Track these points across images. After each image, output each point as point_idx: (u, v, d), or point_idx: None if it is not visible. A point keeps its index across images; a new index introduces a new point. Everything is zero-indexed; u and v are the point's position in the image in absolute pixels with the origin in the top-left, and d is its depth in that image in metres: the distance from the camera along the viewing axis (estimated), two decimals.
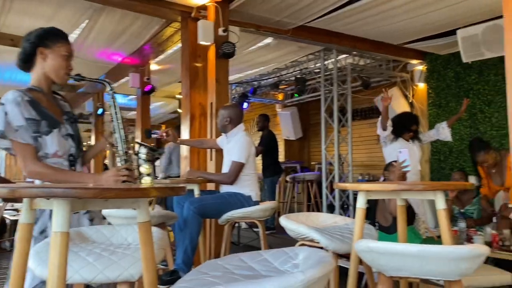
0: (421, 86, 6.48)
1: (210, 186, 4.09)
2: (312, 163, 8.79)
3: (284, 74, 7.32)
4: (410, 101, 6.60)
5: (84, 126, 10.69)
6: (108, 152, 2.13)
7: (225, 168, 3.46)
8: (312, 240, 2.46)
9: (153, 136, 3.93)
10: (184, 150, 4.61)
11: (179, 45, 5.02)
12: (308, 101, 8.12)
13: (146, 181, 1.82)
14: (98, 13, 4.78)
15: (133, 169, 1.82)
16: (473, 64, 5.56)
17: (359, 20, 4.95)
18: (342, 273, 2.28)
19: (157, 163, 4.17)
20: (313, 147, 9.08)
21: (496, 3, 2.28)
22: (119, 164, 1.85)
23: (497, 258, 3.22)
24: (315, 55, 6.31)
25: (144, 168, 1.82)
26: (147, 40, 5.56)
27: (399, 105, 6.39)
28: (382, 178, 4.05)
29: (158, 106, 9.70)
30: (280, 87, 7.78)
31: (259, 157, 6.46)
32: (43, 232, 1.87)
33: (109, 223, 3.30)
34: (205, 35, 4.20)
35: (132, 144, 1.93)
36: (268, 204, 3.43)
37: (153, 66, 6.49)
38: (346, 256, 2.33)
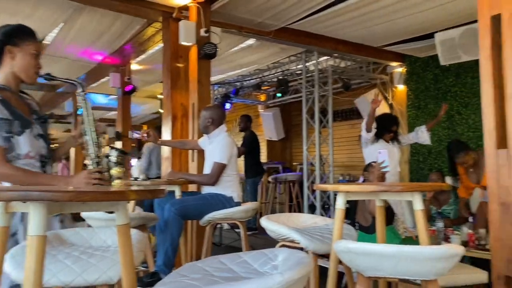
0: (401, 88, 6.58)
1: (192, 188, 4.08)
2: (294, 163, 8.84)
3: (266, 75, 7.35)
4: (390, 102, 6.70)
5: (64, 126, 10.53)
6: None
7: (207, 169, 3.46)
8: (292, 241, 2.48)
9: (134, 136, 3.90)
10: (166, 151, 4.58)
11: (161, 45, 4.99)
12: (290, 102, 8.16)
13: (116, 184, 1.81)
14: (78, 12, 4.72)
15: (104, 172, 1.81)
16: (450, 66, 5.68)
17: (340, 23, 5.00)
18: (323, 273, 2.31)
19: (136, 164, 4.15)
20: (295, 148, 9.13)
21: (472, 7, 2.34)
22: (90, 167, 1.83)
23: (473, 257, 3.29)
24: (297, 56, 6.35)
25: (115, 171, 1.81)
26: (128, 40, 5.52)
27: (379, 107, 6.46)
28: (361, 179, 4.10)
29: (139, 106, 9.61)
30: (262, 88, 7.81)
31: (241, 157, 6.47)
32: (14, 235, 1.83)
33: (88, 225, 3.26)
34: (186, 35, 4.18)
35: (103, 146, 1.91)
36: (249, 205, 3.43)
37: (134, 66, 6.43)
38: (327, 256, 2.36)
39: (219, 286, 1.25)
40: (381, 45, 5.88)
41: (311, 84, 6.31)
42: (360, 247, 1.74)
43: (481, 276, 2.68)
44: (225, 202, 3.32)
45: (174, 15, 4.43)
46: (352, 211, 3.81)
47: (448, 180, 4.53)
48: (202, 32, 4.22)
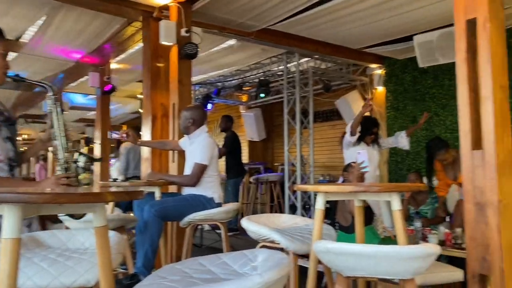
0: (380, 89, 6.67)
1: (172, 189, 4.05)
2: (275, 164, 8.87)
3: (248, 76, 7.36)
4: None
5: (42, 126, 10.33)
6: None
7: (187, 170, 3.44)
8: (273, 241, 2.49)
9: (113, 136, 3.85)
10: (145, 151, 4.54)
11: (141, 44, 4.94)
12: (271, 103, 8.19)
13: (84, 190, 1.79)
14: (56, 10, 4.63)
15: (73, 177, 1.79)
16: (428, 69, 5.77)
17: (321, 24, 5.04)
18: (303, 273, 2.32)
19: (115, 165, 4.10)
20: (276, 148, 9.15)
21: (450, 11, 2.39)
22: (59, 172, 1.81)
23: (450, 255, 3.35)
24: (278, 57, 6.38)
25: (83, 177, 1.80)
26: (107, 39, 5.45)
27: (359, 108, 6.53)
28: (341, 179, 4.15)
29: (119, 106, 9.50)
30: (244, 88, 7.81)
31: (223, 158, 6.46)
32: None
33: (66, 228, 3.21)
34: (167, 35, 4.16)
35: (74, 150, 1.89)
36: (230, 206, 3.43)
37: (114, 65, 6.36)
38: (307, 256, 2.37)
39: None
40: (361, 47, 5.95)
41: (292, 85, 6.34)
42: (339, 247, 1.76)
43: (457, 274, 2.74)
44: (205, 203, 3.31)
45: (154, 14, 4.40)
46: (332, 211, 3.84)
47: (424, 180, 4.61)
48: (183, 32, 4.20)
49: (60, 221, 3.08)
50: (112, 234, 1.89)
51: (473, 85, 2.15)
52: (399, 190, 2.15)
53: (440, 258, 3.32)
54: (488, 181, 2.04)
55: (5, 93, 8.12)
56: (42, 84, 1.93)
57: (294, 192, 6.18)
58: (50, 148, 2.14)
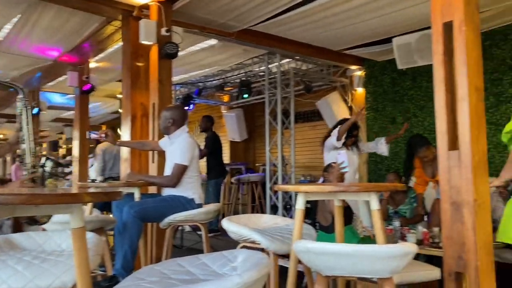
0: (360, 90, 6.74)
1: (152, 190, 4.02)
2: (256, 164, 8.88)
3: (229, 76, 7.35)
4: (349, 105, 6.84)
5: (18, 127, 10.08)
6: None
7: (168, 171, 3.41)
8: (253, 242, 2.49)
9: (92, 137, 3.79)
10: (125, 152, 4.48)
11: (120, 43, 4.88)
12: (253, 103, 8.19)
13: None
14: (32, 8, 4.54)
15: (38, 181, 1.76)
16: (407, 70, 5.86)
17: (302, 26, 5.07)
18: (284, 273, 2.33)
19: (94, 166, 4.05)
20: (258, 149, 9.16)
21: (428, 14, 2.43)
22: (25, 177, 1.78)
23: (428, 254, 3.41)
24: (259, 58, 6.39)
25: (49, 182, 1.77)
26: (86, 38, 5.36)
27: (339, 109, 6.62)
28: (321, 179, 4.18)
29: (98, 106, 9.37)
30: (225, 89, 7.80)
31: (204, 158, 6.43)
32: None
33: (43, 229, 3.15)
34: (147, 34, 4.12)
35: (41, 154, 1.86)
36: (211, 207, 3.42)
37: (93, 64, 6.27)
38: (287, 256, 2.38)
39: None
40: (341, 48, 6.01)
41: (274, 86, 6.36)
42: (318, 247, 1.77)
43: (434, 273, 2.79)
44: (186, 204, 3.28)
45: (134, 13, 4.35)
46: (313, 211, 3.87)
47: (404, 180, 4.68)
48: (163, 31, 4.16)
49: (37, 223, 3.02)
50: (90, 235, 1.87)
51: (450, 86, 2.19)
52: (377, 190, 2.17)
53: (418, 257, 3.37)
54: (464, 181, 2.08)
55: None
56: (13, 87, 1.88)
57: (275, 192, 6.20)
58: (18, 151, 2.09)
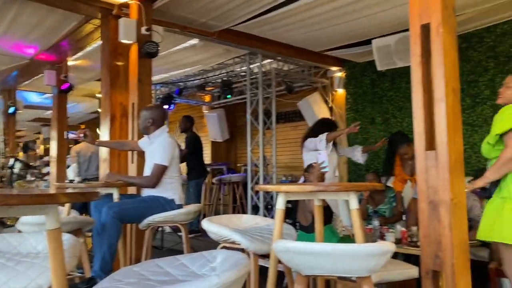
0: (340, 91, 6.80)
1: (131, 190, 3.97)
2: (238, 164, 8.86)
3: (211, 76, 7.32)
4: (330, 105, 6.90)
5: None
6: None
7: (147, 171, 3.38)
8: (233, 242, 2.48)
9: (70, 136, 3.72)
10: (104, 152, 4.42)
11: (99, 42, 4.81)
12: (235, 104, 8.18)
13: None
14: (9, 4, 4.44)
15: (6, 182, 1.73)
16: (386, 72, 5.93)
17: (283, 27, 5.08)
18: (265, 273, 2.33)
19: (72, 166, 4.01)
20: (239, 149, 9.15)
21: (407, 16, 2.48)
22: None
23: (406, 253, 3.45)
24: (241, 58, 6.38)
25: (18, 184, 1.74)
26: (64, 36, 5.27)
27: (320, 110, 6.66)
28: (302, 179, 4.20)
29: (77, 105, 9.22)
30: (207, 89, 7.76)
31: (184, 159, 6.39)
32: None
33: (19, 231, 3.08)
34: (126, 33, 4.07)
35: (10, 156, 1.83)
36: (191, 207, 3.40)
37: (71, 63, 6.16)
38: (268, 256, 2.38)
39: None
40: (322, 50, 6.05)
41: (255, 86, 6.36)
42: (298, 246, 1.78)
43: (412, 271, 2.82)
44: (165, 204, 3.26)
45: (114, 12, 4.29)
46: (293, 211, 3.88)
47: (384, 180, 4.74)
48: (143, 30, 4.12)
49: (4, 225, 2.96)
50: (67, 237, 1.84)
51: (427, 87, 2.23)
52: (356, 190, 2.19)
53: (397, 256, 3.42)
54: (441, 180, 2.12)
55: None
56: None
57: (256, 192, 6.20)
58: None
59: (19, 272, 1.51)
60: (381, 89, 6.26)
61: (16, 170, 1.62)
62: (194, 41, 5.43)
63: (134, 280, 1.39)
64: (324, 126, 4.69)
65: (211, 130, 8.76)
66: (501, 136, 2.40)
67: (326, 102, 6.91)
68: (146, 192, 3.37)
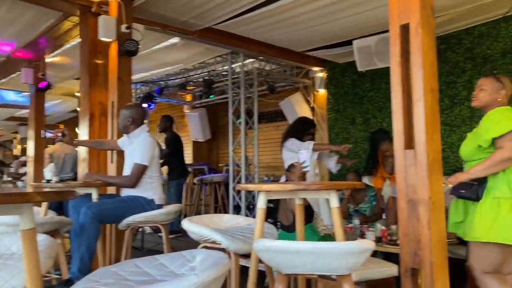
0: (322, 92, 6.84)
1: (111, 190, 3.91)
2: (220, 164, 8.83)
3: (192, 75, 7.26)
4: (312, 106, 6.93)
5: None
6: None
7: (127, 171, 3.33)
8: (214, 242, 2.47)
9: (47, 136, 3.65)
10: (83, 152, 4.35)
11: (78, 40, 4.73)
12: (216, 103, 8.14)
13: None
14: None
15: None
16: (367, 73, 5.99)
17: (265, 26, 5.08)
18: (247, 273, 2.32)
19: (49, 166, 3.94)
20: (221, 149, 9.12)
21: (387, 17, 2.51)
22: None
23: (386, 251, 3.49)
24: (222, 57, 6.35)
25: None
26: (42, 33, 5.16)
27: (302, 110, 6.69)
28: (283, 178, 4.21)
29: (56, 104, 9.05)
30: (188, 88, 7.70)
31: (166, 159, 6.34)
32: None
33: None
34: (106, 31, 4.01)
35: None
36: (172, 207, 3.36)
37: (49, 61, 6.04)
38: (249, 256, 2.38)
39: None
40: (304, 50, 6.07)
41: (237, 85, 6.35)
42: (278, 245, 1.78)
43: (391, 269, 2.85)
44: (145, 205, 3.22)
45: (93, 9, 4.22)
46: (275, 210, 3.88)
47: (365, 179, 4.79)
48: (123, 28, 4.06)
49: None
50: (42, 237, 1.80)
51: (406, 88, 2.25)
52: (337, 188, 2.20)
53: (376, 254, 3.46)
54: (419, 179, 2.14)
55: None
56: None
57: (238, 192, 6.18)
58: None
59: None
60: (362, 89, 6.32)
61: None
62: (175, 39, 5.38)
63: (111, 281, 1.36)
64: (304, 125, 4.73)
65: (193, 130, 8.70)
66: (494, 139, 2.41)
67: (308, 102, 6.94)
68: (126, 192, 3.32)
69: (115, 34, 4.06)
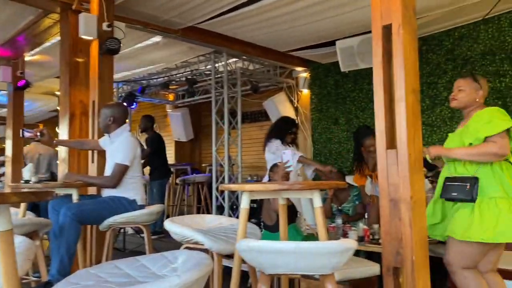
0: (305, 92, 6.86)
1: (92, 191, 3.85)
2: (203, 165, 8.79)
3: (175, 74, 7.21)
4: (296, 105, 6.95)
5: None
6: None
7: (108, 171, 3.28)
8: (196, 243, 2.45)
9: (26, 135, 3.57)
10: (63, 151, 4.27)
11: (58, 38, 4.65)
12: (199, 103, 8.10)
13: None
14: None
15: None
16: (349, 73, 6.04)
17: (248, 26, 5.07)
18: (230, 273, 2.31)
19: (28, 166, 3.86)
20: (204, 149, 9.07)
21: (369, 18, 2.53)
22: None
23: (368, 251, 3.51)
24: (205, 56, 6.32)
25: None
26: (21, 30, 5.05)
27: (285, 109, 6.70)
28: (266, 177, 4.21)
29: (35, 103, 8.88)
30: (171, 87, 7.64)
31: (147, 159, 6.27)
32: None
33: None
34: (87, 29, 3.94)
35: None
36: (154, 208, 3.32)
37: (29, 59, 5.92)
38: (233, 256, 2.36)
39: None
40: (287, 50, 6.08)
41: (220, 85, 6.32)
42: (261, 245, 1.77)
43: (374, 268, 2.88)
44: (127, 205, 3.18)
45: (73, 7, 4.15)
46: (258, 210, 3.88)
47: (349, 179, 4.81)
48: (105, 26, 4.00)
49: None
50: (20, 239, 1.76)
51: (388, 88, 2.27)
52: (319, 188, 2.21)
53: (359, 254, 3.48)
54: (401, 178, 2.16)
55: None
56: None
57: (221, 193, 6.16)
58: None
59: None
60: (345, 89, 6.37)
61: None
62: (157, 38, 5.33)
63: (91, 283, 1.33)
64: (286, 124, 4.73)
65: (175, 130, 8.63)
66: (487, 137, 2.41)
67: (291, 102, 6.96)
68: (107, 193, 3.27)
69: (96, 32, 3.99)
